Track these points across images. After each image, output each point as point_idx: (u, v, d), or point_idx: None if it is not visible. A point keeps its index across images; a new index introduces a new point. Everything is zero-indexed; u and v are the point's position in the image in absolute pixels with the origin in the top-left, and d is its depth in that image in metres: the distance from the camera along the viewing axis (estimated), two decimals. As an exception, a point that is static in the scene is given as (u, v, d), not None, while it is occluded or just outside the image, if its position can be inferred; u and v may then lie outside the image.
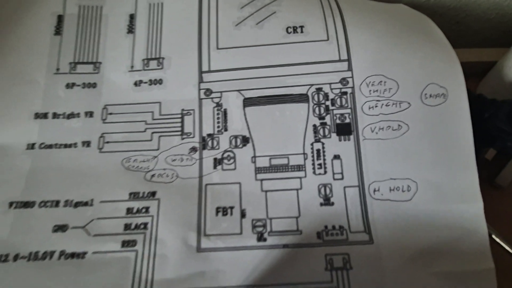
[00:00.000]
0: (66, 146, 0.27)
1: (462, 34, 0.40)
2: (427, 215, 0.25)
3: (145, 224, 0.24)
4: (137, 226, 0.24)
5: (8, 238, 0.23)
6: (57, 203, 0.24)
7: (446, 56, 0.27)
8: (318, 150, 0.26)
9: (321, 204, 0.25)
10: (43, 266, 0.22)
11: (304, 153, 0.26)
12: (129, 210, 0.25)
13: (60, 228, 0.24)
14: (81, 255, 0.23)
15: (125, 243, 0.23)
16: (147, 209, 0.25)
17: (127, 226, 0.24)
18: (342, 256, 0.24)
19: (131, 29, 0.29)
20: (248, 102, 0.27)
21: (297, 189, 0.25)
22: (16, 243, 0.23)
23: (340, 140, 0.26)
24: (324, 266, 0.23)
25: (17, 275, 0.22)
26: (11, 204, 0.24)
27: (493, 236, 0.25)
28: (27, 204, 0.24)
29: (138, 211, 0.25)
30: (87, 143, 0.27)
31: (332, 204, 0.25)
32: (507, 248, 0.26)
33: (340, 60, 0.27)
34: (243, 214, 0.25)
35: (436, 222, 0.24)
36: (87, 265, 0.23)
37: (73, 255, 0.23)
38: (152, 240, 0.24)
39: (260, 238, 0.24)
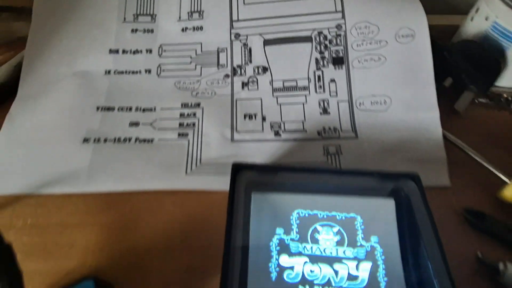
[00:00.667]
0: (133, 72, 0.36)
1: (435, 2, 0.48)
2: (398, 120, 0.34)
3: (194, 123, 0.34)
4: (188, 125, 0.34)
5: (99, 129, 0.33)
6: (130, 109, 0.34)
7: (414, 8, 0.36)
8: (319, 76, 0.35)
9: (321, 113, 0.34)
10: (124, 146, 0.32)
11: (308, 78, 0.35)
12: (181, 114, 0.34)
13: (134, 124, 0.33)
14: (150, 141, 0.33)
15: (180, 135, 0.33)
16: (194, 114, 0.34)
17: (181, 124, 0.34)
18: (335, 146, 0.33)
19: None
20: (267, 42, 0.37)
21: (303, 103, 0.35)
22: (105, 132, 0.33)
23: (335, 68, 0.35)
24: (322, 152, 0.33)
25: (107, 151, 0.32)
26: (98, 108, 0.34)
27: (445, 134, 0.34)
28: (109, 108, 0.34)
29: (188, 115, 0.34)
30: (148, 71, 0.36)
31: (329, 113, 0.34)
32: (457, 143, 0.34)
33: (336, 11, 0.37)
34: (263, 119, 0.34)
35: (404, 125, 0.34)
36: (155, 147, 0.32)
37: (144, 140, 0.32)
38: (199, 133, 0.33)
39: (276, 133, 0.34)
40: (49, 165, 0.31)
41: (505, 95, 0.39)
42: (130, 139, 0.33)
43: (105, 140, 0.32)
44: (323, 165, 0.32)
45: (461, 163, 0.34)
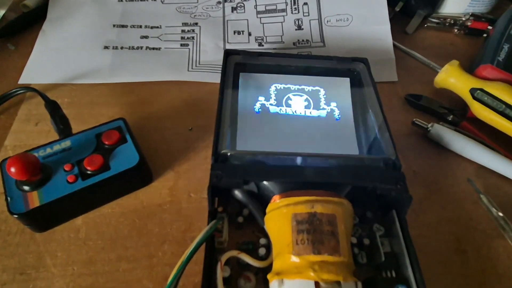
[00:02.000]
0: (142, 0, 0.43)
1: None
2: (357, 32, 0.42)
3: (193, 37, 0.41)
4: (188, 38, 0.41)
5: (116, 40, 0.41)
6: (140, 26, 0.42)
7: None
8: (294, 0, 0.43)
9: (296, 29, 0.42)
10: (137, 52, 0.40)
11: (285, 2, 0.43)
12: (182, 31, 0.42)
13: (144, 37, 0.41)
14: (158, 49, 0.40)
15: (182, 45, 0.41)
16: (193, 30, 0.42)
17: (182, 37, 0.41)
18: (307, 52, 0.41)
19: None
20: (252, -25, 0.44)
21: (281, 22, 0.43)
22: (121, 42, 0.40)
23: (307, -6, 0.43)
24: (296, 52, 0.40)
25: (124, 54, 0.40)
26: (114, 25, 0.42)
27: (395, 43, 0.42)
28: (123, 26, 0.42)
29: (188, 31, 0.42)
30: (154, -1, 0.44)
31: (302, 29, 0.42)
32: (404, 50, 0.42)
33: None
34: (249, 34, 0.42)
35: (362, 35, 0.42)
36: (162, 53, 0.40)
37: (153, 48, 0.40)
38: (197, 43, 0.41)
39: (260, 44, 0.41)
40: (78, 64, 0.38)
41: (449, 19, 0.48)
42: (141, 47, 0.40)
43: (122, 48, 0.40)
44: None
45: (406, 64, 0.42)
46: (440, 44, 0.47)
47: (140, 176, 0.28)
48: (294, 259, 0.21)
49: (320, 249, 0.21)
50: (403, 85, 0.41)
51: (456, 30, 0.48)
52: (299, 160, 0.27)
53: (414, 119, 0.36)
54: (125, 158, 0.28)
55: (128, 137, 0.29)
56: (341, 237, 0.22)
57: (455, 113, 0.37)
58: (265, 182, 0.26)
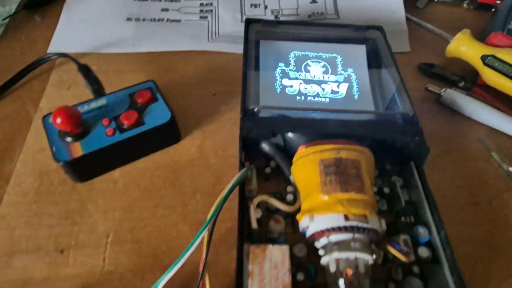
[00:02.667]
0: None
1: None
2: (370, 5, 0.43)
3: (211, 10, 0.43)
4: (207, 11, 0.43)
5: (137, 12, 0.42)
6: (160, 0, 0.43)
7: None
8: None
9: (310, 3, 0.44)
10: (159, 24, 0.42)
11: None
12: (201, 4, 0.44)
13: (165, 9, 0.43)
14: (178, 21, 0.42)
15: (201, 17, 0.42)
16: (211, 3, 0.43)
17: (201, 10, 0.43)
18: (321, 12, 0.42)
19: None
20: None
21: (297, -4, 0.44)
22: (142, 14, 0.42)
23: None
24: (312, 28, 0.42)
25: (146, 26, 0.41)
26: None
27: (407, 15, 0.44)
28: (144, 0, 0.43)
29: (206, 4, 0.43)
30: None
31: (317, 2, 0.44)
32: (417, 21, 0.44)
33: None
34: (266, 7, 0.43)
35: (375, 7, 0.43)
36: (182, 24, 0.42)
37: (173, 20, 0.42)
38: (216, 16, 0.42)
39: (276, 17, 0.43)
40: (102, 35, 0.40)
41: (458, -5, 0.49)
42: (162, 19, 0.42)
43: (144, 20, 0.42)
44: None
45: (418, 36, 0.44)
46: (450, 18, 0.48)
47: (171, 133, 0.30)
48: (324, 197, 0.23)
49: (347, 188, 0.23)
50: (416, 55, 0.42)
51: (465, 5, 0.49)
52: (322, 114, 0.29)
53: (428, 85, 0.38)
54: (158, 115, 0.29)
55: (159, 96, 0.30)
56: (365, 179, 0.24)
57: (467, 79, 0.39)
58: (291, 134, 0.28)
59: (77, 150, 0.26)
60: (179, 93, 0.36)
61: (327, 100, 0.32)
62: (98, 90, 0.30)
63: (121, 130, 0.28)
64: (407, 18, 0.44)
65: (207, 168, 0.30)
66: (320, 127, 0.27)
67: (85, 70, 0.32)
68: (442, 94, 0.37)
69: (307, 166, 0.26)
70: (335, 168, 0.24)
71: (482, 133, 0.35)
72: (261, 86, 0.33)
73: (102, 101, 0.29)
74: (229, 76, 0.38)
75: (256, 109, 0.29)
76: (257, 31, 0.37)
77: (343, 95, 0.34)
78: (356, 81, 0.35)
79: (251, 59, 0.34)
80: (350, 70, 0.36)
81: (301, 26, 0.37)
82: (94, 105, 0.29)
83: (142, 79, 0.35)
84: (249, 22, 0.36)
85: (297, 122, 0.28)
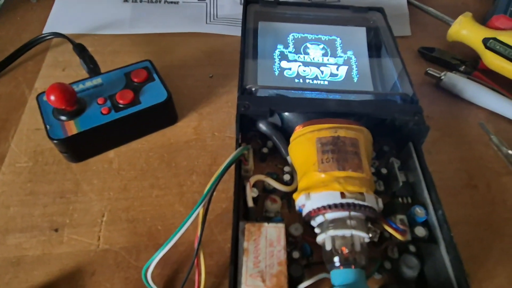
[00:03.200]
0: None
1: None
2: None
3: (209, -8, 0.42)
4: (205, -7, 0.42)
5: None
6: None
7: None
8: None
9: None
10: (156, 5, 0.41)
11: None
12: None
13: (161, -8, 0.42)
14: (176, 2, 0.41)
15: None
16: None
17: (199, -8, 0.42)
18: (322, 7, 0.41)
19: None
20: None
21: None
22: None
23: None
24: None
25: (143, 8, 0.40)
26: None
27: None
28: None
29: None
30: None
31: (317, -15, 0.43)
32: (418, 5, 0.43)
33: None
34: (265, -11, 0.42)
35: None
36: (180, 6, 0.41)
37: (171, 2, 0.41)
38: (214, -2, 0.41)
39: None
40: (99, 16, 0.39)
41: (461, -21, 0.48)
42: (160, 1, 0.41)
43: (141, 1, 0.41)
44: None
45: (419, 20, 0.43)
46: (451, 3, 0.47)
47: (167, 113, 0.30)
48: (320, 175, 0.23)
49: (345, 166, 0.23)
50: (416, 39, 0.42)
51: (467, -10, 0.49)
52: (320, 94, 0.29)
53: (428, 69, 0.37)
54: (154, 94, 0.29)
55: (155, 75, 0.30)
56: (362, 158, 0.24)
57: (467, 64, 0.38)
58: (288, 114, 0.27)
59: (72, 128, 0.26)
60: (176, 75, 0.35)
61: (326, 83, 0.32)
62: (93, 69, 0.30)
63: (116, 108, 0.27)
64: (408, 2, 0.44)
65: (203, 149, 0.30)
66: (318, 106, 0.27)
67: (80, 49, 0.31)
68: (442, 77, 0.36)
69: (304, 144, 0.25)
70: (332, 146, 0.24)
71: (482, 117, 0.35)
72: (259, 67, 0.32)
73: (97, 80, 0.29)
74: (227, 58, 0.37)
75: (254, 89, 0.28)
76: (256, 12, 0.36)
77: (342, 77, 0.33)
78: (356, 63, 0.34)
79: (249, 40, 0.33)
80: (349, 52, 0.35)
81: (301, 7, 0.37)
82: (89, 84, 0.29)
83: (138, 60, 0.35)
84: (247, 3, 0.36)
85: (295, 102, 0.27)
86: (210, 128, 0.32)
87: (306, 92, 0.29)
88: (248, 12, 0.35)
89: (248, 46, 0.32)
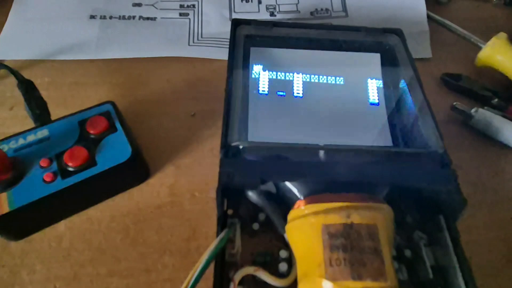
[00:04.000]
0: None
1: None
2: (385, 0, 0.36)
3: (193, 5, 0.36)
4: (188, 6, 0.36)
5: (104, 8, 0.35)
6: (132, -8, 0.36)
7: None
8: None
9: (313, -4, 0.36)
10: (129, 23, 0.34)
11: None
12: (181, -2, 0.36)
13: (137, 4, 0.35)
14: (153, 19, 0.35)
15: (181, 14, 0.35)
16: (194, -3, 0.36)
17: (181, 6, 0.36)
18: (327, 23, 0.35)
19: None
20: None
21: (296, -11, 0.37)
22: (109, 10, 0.35)
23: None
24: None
25: (114, 26, 0.34)
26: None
27: (429, 13, 0.36)
28: (112, -9, 0.36)
29: (188, -1, 0.36)
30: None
31: (321, -3, 0.36)
32: (439, 21, 0.37)
33: None
34: (259, 1, 0.36)
35: (391, 4, 0.36)
36: (158, 24, 0.34)
37: (147, 18, 0.35)
38: (199, 13, 0.35)
39: (272, 14, 0.36)
40: (60, 38, 0.33)
41: (487, -12, 0.42)
42: (134, 17, 0.35)
43: (111, 17, 0.34)
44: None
45: (441, 38, 0.37)
46: (478, 16, 0.40)
47: (133, 173, 0.24)
48: (328, 285, 0.17)
49: (361, 273, 0.17)
50: (438, 63, 0.35)
51: (494, 0, 0.43)
52: (326, 154, 0.23)
53: (454, 103, 0.31)
54: (115, 150, 0.23)
55: (118, 124, 0.24)
56: (385, 255, 0.18)
57: (500, 95, 0.32)
58: (286, 182, 0.22)
59: (3, 204, 0.20)
60: (150, 112, 0.29)
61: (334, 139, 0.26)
62: (40, 116, 0.24)
63: (64, 174, 0.21)
64: (428, 17, 0.37)
65: (180, 216, 0.24)
66: (324, 173, 0.21)
67: (27, 88, 0.25)
68: (473, 114, 0.30)
69: (306, 231, 0.19)
70: (343, 239, 0.18)
71: (522, 166, 0.29)
72: (250, 112, 0.26)
73: (43, 132, 0.23)
74: (213, 90, 0.31)
75: (241, 147, 0.22)
76: (247, 36, 0.30)
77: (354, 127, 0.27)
78: (370, 106, 0.28)
79: (237, 73, 0.27)
80: (362, 90, 0.29)
81: (302, 29, 0.30)
82: (32, 137, 0.22)
83: (104, 95, 0.28)
84: (236, 24, 0.29)
85: (294, 166, 0.21)
86: (189, 186, 0.25)
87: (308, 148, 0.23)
88: (237, 36, 0.28)
89: (237, 82, 0.26)
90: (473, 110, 0.30)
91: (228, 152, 0.21)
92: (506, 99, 0.32)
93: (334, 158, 0.22)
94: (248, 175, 0.20)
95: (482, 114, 0.30)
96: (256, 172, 0.21)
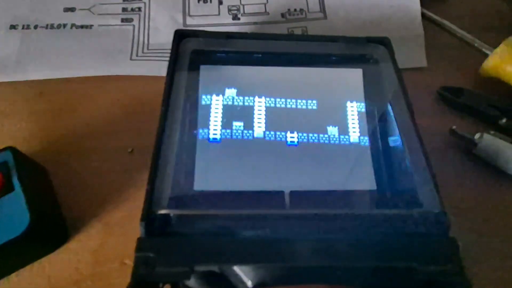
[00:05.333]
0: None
1: None
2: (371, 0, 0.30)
3: (139, 8, 0.29)
4: (132, 9, 0.29)
5: (28, 15, 0.28)
6: (65, -6, 0.30)
7: None
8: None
9: (286, -4, 0.30)
10: (59, 33, 0.28)
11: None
12: (124, 0, 0.30)
13: (69, 9, 0.29)
14: (88, 26, 0.28)
15: (124, 20, 0.29)
16: (140, -1, 0.30)
17: (124, 9, 0.29)
18: (301, 28, 0.29)
19: None
20: None
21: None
22: (35, 18, 0.28)
23: None
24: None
25: (39, 38, 0.28)
26: (27, -7, 0.29)
27: (424, 11, 0.31)
28: (39, -6, 0.29)
29: (132, 0, 0.30)
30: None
31: (295, -6, 0.30)
32: (437, 21, 0.31)
33: None
34: (220, 2, 0.30)
35: (378, 3, 0.30)
36: (95, 33, 0.28)
37: (82, 26, 0.28)
38: (146, 18, 0.29)
39: (235, 17, 0.30)
40: (-30, 54, 0.27)
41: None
42: (65, 25, 0.28)
43: (36, 27, 0.28)
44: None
45: (439, 43, 0.31)
46: (482, 12, 0.34)
47: (39, 243, 0.18)
48: None
49: None
50: (435, 73, 0.29)
51: (499, -9, 0.37)
52: (286, 223, 0.17)
53: (453, 127, 0.26)
54: (10, 218, 0.17)
55: (16, 181, 0.18)
56: None
57: (510, 114, 0.27)
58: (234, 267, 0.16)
59: None
60: (75, 150, 0.23)
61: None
62: None
63: None
64: (423, 17, 0.31)
65: (104, 296, 0.19)
66: (285, 256, 0.15)
67: None
68: (477, 141, 0.25)
69: None
70: None
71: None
72: (197, 155, 0.20)
73: None
74: (158, 118, 0.26)
75: (172, 215, 0.17)
76: (195, 51, 0.24)
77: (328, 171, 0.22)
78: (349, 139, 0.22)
79: (177, 104, 0.21)
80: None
81: (265, 41, 0.24)
82: None
83: (19, 128, 0.23)
84: (180, 37, 0.23)
85: (243, 245, 0.15)
86: (119, 250, 0.20)
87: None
88: (181, 52, 0.22)
89: (176, 118, 0.20)
90: (476, 136, 0.25)
91: (153, 225, 0.16)
92: (516, 119, 0.27)
93: (297, 230, 0.17)
94: (175, 262, 0.15)
95: (488, 140, 0.24)
96: (188, 256, 0.15)
